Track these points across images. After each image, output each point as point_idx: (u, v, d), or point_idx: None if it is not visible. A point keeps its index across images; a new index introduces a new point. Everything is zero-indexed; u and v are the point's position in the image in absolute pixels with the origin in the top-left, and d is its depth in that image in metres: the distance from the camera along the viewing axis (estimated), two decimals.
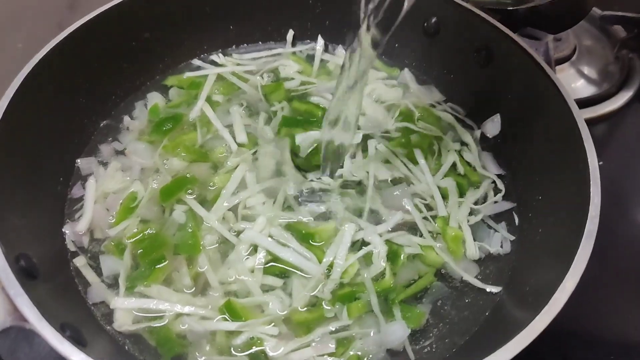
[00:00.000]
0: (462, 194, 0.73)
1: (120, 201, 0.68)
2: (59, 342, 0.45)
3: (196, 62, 0.89)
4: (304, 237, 0.66)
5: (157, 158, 0.73)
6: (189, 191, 0.70)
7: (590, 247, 0.53)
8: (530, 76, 0.72)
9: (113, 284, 0.62)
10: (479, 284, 0.65)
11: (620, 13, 1.22)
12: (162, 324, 0.59)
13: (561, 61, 1.22)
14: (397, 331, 0.59)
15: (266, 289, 0.62)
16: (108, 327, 0.59)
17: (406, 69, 0.89)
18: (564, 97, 0.66)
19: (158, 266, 0.62)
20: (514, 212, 0.72)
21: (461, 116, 0.83)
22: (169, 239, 0.65)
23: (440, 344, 0.61)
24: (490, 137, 0.79)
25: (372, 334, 0.60)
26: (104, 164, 0.74)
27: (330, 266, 0.63)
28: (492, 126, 0.78)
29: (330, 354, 0.57)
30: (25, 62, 0.66)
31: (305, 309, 0.61)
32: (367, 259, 0.65)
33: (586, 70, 1.23)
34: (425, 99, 0.85)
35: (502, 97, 0.78)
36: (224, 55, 0.91)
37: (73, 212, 0.69)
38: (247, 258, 0.63)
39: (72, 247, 0.65)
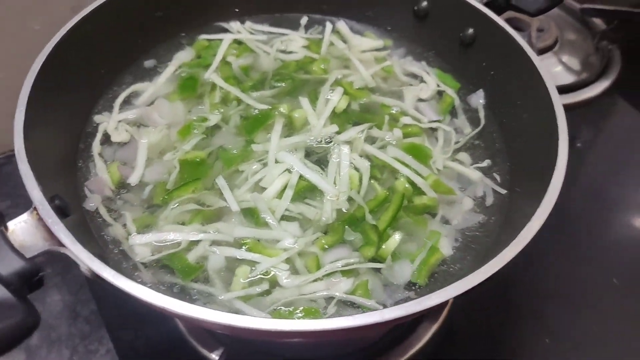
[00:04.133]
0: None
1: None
2: (91, 260, 0.52)
3: (217, 25, 0.97)
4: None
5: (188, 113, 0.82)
6: None
7: (554, 198, 0.61)
8: (510, 55, 0.79)
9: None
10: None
11: (598, 6, 1.30)
12: (177, 250, 0.66)
13: (544, 51, 1.30)
14: (404, 269, 0.66)
15: (284, 218, 0.70)
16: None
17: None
18: (540, 74, 0.74)
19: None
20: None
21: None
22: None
23: None
24: (474, 107, 0.86)
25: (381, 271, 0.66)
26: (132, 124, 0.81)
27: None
28: (475, 98, 0.86)
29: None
30: (43, 43, 0.72)
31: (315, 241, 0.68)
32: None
33: (568, 60, 1.31)
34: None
35: (485, 74, 0.86)
36: (241, 23, 0.98)
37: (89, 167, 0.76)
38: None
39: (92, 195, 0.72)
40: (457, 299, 0.52)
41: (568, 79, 1.26)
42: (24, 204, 0.56)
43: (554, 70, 1.29)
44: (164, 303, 0.49)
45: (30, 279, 0.52)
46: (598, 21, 1.35)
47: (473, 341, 0.88)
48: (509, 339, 0.87)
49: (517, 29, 1.28)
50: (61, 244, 0.53)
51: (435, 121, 0.84)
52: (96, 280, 0.53)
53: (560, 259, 0.95)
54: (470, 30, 0.86)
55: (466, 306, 0.89)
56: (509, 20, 1.27)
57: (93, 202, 0.70)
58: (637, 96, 1.27)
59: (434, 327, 0.87)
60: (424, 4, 0.91)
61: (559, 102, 0.71)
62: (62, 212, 0.59)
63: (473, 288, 0.53)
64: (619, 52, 1.31)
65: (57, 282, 0.95)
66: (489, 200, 0.75)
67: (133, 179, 0.74)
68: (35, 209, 0.56)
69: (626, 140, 1.22)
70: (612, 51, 1.32)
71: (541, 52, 1.29)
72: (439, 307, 0.75)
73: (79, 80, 0.78)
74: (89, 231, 0.67)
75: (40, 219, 0.55)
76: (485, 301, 0.89)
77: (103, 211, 0.70)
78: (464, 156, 0.81)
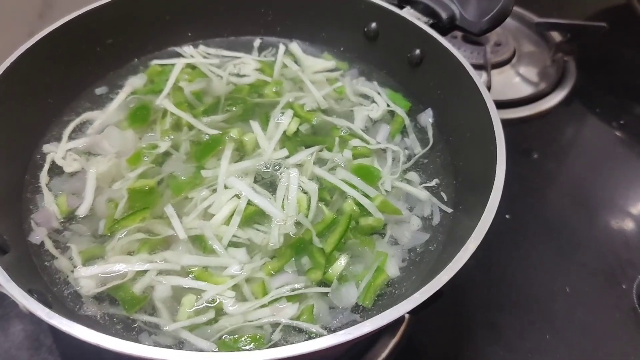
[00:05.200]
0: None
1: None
2: (26, 299, 0.52)
3: (170, 50, 0.99)
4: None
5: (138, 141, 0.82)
6: None
7: (491, 216, 0.62)
8: (454, 74, 0.81)
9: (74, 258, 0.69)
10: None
11: (553, 20, 1.33)
12: (122, 281, 0.66)
13: (502, 64, 1.33)
14: (350, 292, 0.67)
15: (231, 244, 0.70)
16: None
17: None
18: (479, 89, 0.75)
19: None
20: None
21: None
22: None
23: None
24: (423, 126, 0.88)
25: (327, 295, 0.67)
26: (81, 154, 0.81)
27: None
28: (425, 117, 0.88)
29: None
30: None
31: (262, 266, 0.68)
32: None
33: (525, 72, 1.34)
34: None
35: (433, 93, 0.87)
36: (194, 47, 0.99)
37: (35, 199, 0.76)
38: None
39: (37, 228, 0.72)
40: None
41: (526, 90, 1.29)
42: None
43: (512, 82, 1.32)
44: (99, 341, 0.50)
45: None
46: (554, 34, 1.39)
47: (431, 354, 0.89)
48: (465, 351, 0.88)
49: (475, 43, 1.31)
50: None
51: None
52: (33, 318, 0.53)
53: (513, 269, 0.97)
54: (417, 51, 0.88)
55: (423, 318, 0.90)
56: (465, 37, 1.31)
57: (39, 235, 0.70)
58: (593, 105, 1.30)
59: (393, 342, 0.88)
60: (373, 25, 0.93)
61: (497, 119, 0.72)
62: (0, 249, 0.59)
63: (414, 309, 0.54)
64: (574, 63, 1.35)
65: (19, 312, 0.94)
66: (436, 219, 0.77)
67: (82, 210, 0.74)
68: None
69: (585, 147, 1.24)
70: (567, 62, 1.35)
71: (499, 65, 1.32)
72: (394, 324, 0.76)
73: (26, 111, 0.79)
74: (33, 266, 0.67)
75: None
76: (442, 313, 0.90)
77: (49, 244, 0.70)
78: (413, 175, 0.82)
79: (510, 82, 1.31)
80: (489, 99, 0.75)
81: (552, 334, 0.89)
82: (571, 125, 1.28)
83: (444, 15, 0.88)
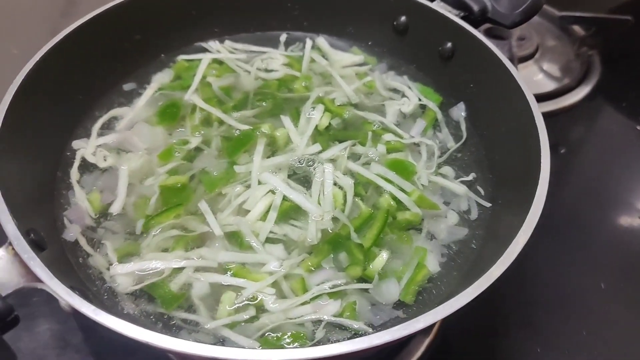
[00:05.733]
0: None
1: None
2: (70, 296, 0.50)
3: (197, 45, 0.97)
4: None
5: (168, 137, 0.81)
6: None
7: (539, 210, 0.61)
8: (488, 67, 0.80)
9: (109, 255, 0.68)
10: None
11: (577, 13, 1.31)
12: (160, 278, 0.64)
13: (525, 59, 1.31)
14: (391, 288, 0.65)
15: (268, 240, 0.69)
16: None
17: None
18: (518, 83, 0.74)
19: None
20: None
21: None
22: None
23: None
24: (455, 120, 0.86)
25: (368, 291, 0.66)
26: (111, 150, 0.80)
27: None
28: (457, 111, 0.86)
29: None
30: (21, 67, 0.72)
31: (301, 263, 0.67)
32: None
33: (548, 67, 1.32)
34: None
35: (465, 86, 0.86)
36: (220, 42, 0.98)
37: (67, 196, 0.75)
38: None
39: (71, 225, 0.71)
40: None
41: (550, 86, 1.27)
42: None
43: (536, 77, 1.30)
44: (148, 338, 0.48)
45: (4, 318, 0.51)
46: (577, 28, 1.37)
47: (466, 352, 0.88)
48: (501, 349, 0.87)
49: (498, 37, 1.29)
50: (38, 280, 0.52)
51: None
52: (75, 315, 0.51)
53: (548, 265, 0.95)
54: (449, 44, 0.86)
55: (458, 317, 0.88)
56: (489, 30, 1.29)
57: (72, 232, 0.69)
58: (618, 99, 1.28)
59: (427, 340, 0.87)
60: (403, 18, 0.91)
61: (538, 113, 0.71)
62: (38, 246, 0.58)
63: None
64: (599, 57, 1.33)
65: (45, 312, 0.93)
66: (474, 214, 0.75)
67: (115, 208, 0.73)
68: (10, 244, 0.54)
69: (610, 142, 1.22)
70: (591, 56, 1.33)
71: (522, 60, 1.30)
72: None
73: (56, 108, 0.77)
74: (68, 263, 0.66)
75: (16, 255, 0.54)
76: (477, 311, 0.88)
77: (83, 241, 0.69)
78: (447, 170, 0.81)
79: (534, 77, 1.29)
80: (528, 93, 0.73)
81: (588, 330, 0.87)
82: (597, 120, 1.26)
83: (475, 7, 0.87)
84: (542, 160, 0.65)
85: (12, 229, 0.55)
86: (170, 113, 0.83)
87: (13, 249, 0.54)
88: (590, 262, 0.97)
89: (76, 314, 0.51)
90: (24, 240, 0.54)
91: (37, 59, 0.73)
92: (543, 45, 1.35)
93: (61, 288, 0.51)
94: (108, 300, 0.64)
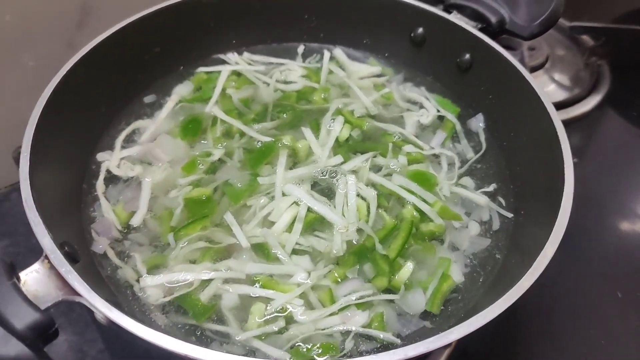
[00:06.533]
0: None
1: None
2: (109, 309, 0.51)
3: (215, 57, 0.98)
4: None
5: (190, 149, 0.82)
6: None
7: (565, 221, 0.61)
8: (507, 78, 0.81)
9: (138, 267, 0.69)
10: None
11: (587, 23, 1.33)
12: (189, 290, 0.65)
13: (535, 69, 1.32)
14: (417, 299, 0.66)
15: (293, 252, 0.70)
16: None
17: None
18: (538, 94, 0.75)
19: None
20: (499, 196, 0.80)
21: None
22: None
23: None
24: (474, 132, 0.87)
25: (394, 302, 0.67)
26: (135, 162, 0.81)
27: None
28: (475, 122, 0.87)
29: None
30: (38, 80, 0.72)
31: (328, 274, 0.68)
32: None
33: (559, 76, 1.33)
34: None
35: (484, 98, 0.87)
36: (238, 54, 0.99)
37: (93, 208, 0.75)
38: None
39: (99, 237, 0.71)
40: None
41: (561, 95, 1.28)
42: (24, 243, 0.54)
43: (547, 88, 1.31)
44: (187, 351, 0.49)
45: (45, 331, 0.51)
46: (586, 38, 1.38)
47: None
48: (520, 358, 0.87)
49: (509, 48, 1.30)
50: (76, 293, 0.53)
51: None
52: (112, 327, 0.52)
53: (563, 273, 0.96)
54: (467, 55, 0.88)
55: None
56: (499, 40, 1.30)
57: (101, 245, 0.69)
58: (628, 109, 1.29)
59: (447, 351, 0.87)
60: (420, 30, 0.92)
61: (559, 123, 0.72)
62: (72, 259, 0.58)
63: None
64: (608, 67, 1.34)
65: (62, 323, 0.93)
66: (496, 225, 0.76)
67: (136, 220, 0.73)
68: (46, 257, 0.55)
69: (621, 151, 1.23)
70: (601, 66, 1.34)
71: (533, 70, 1.31)
72: None
73: (80, 121, 0.78)
74: (99, 275, 0.67)
75: (52, 268, 0.54)
76: (495, 320, 0.89)
77: (111, 253, 0.69)
78: (467, 180, 0.81)
79: (545, 87, 1.30)
80: (548, 103, 0.74)
81: (607, 339, 0.87)
82: (608, 130, 1.27)
83: (493, 19, 0.88)
84: (565, 171, 0.66)
85: (48, 243, 0.55)
86: (193, 128, 0.84)
87: (49, 262, 0.54)
88: (605, 271, 0.97)
89: (112, 325, 0.52)
90: (60, 253, 0.55)
91: (64, 72, 0.74)
92: (553, 56, 1.36)
93: (99, 301, 0.52)
94: (139, 312, 0.64)
